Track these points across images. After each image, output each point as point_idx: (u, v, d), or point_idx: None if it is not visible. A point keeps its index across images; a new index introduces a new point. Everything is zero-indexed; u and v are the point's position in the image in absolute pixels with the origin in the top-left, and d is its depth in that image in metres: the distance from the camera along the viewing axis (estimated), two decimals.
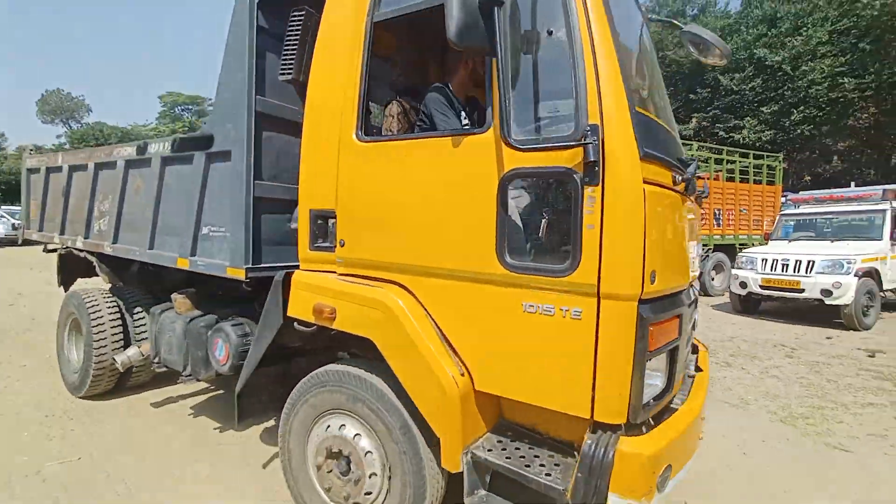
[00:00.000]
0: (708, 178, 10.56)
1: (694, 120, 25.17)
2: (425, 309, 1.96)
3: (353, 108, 2.11)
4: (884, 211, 8.03)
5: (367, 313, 2.03)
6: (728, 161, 11.68)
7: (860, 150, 23.76)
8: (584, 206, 1.56)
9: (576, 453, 1.75)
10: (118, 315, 3.74)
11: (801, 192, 10.62)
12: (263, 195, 2.57)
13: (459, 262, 1.85)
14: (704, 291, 10.59)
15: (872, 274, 7.48)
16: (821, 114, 20.67)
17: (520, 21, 1.72)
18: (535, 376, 1.74)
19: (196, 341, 2.99)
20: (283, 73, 2.45)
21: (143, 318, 3.70)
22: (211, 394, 4.16)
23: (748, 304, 8.70)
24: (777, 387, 4.78)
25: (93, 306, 3.69)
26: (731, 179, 11.49)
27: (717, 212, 10.81)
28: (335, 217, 2.18)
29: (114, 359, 3.58)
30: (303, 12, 2.38)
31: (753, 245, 10.46)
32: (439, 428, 1.84)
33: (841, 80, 19.74)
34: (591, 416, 1.63)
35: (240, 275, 2.53)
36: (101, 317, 3.66)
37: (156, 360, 3.39)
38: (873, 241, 7.81)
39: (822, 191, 10.03)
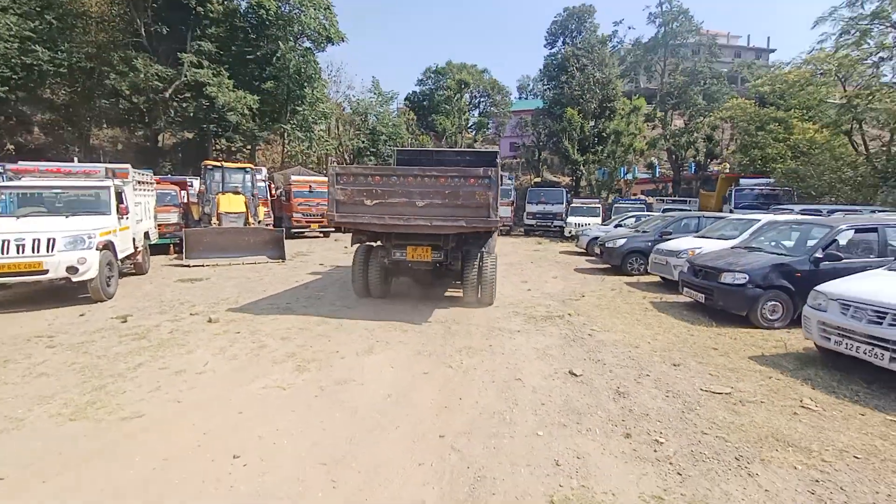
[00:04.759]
0: None
1: None
2: None
3: None
4: (108, 187, 8.73)
5: None
6: None
7: (61, 126, 24.09)
8: None
9: None
10: None
11: (20, 163, 9.43)
12: None
13: None
14: None
15: (110, 246, 8.06)
16: (16, 77, 18.89)
17: None
18: None
19: None
20: None
21: None
22: None
23: None
24: (50, 385, 4.27)
25: None
26: None
27: None
28: None
29: None
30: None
31: None
32: None
33: (34, 48, 18.81)
34: None
35: None
36: None
37: None
38: (104, 215, 8.35)
39: (46, 163, 9.39)
